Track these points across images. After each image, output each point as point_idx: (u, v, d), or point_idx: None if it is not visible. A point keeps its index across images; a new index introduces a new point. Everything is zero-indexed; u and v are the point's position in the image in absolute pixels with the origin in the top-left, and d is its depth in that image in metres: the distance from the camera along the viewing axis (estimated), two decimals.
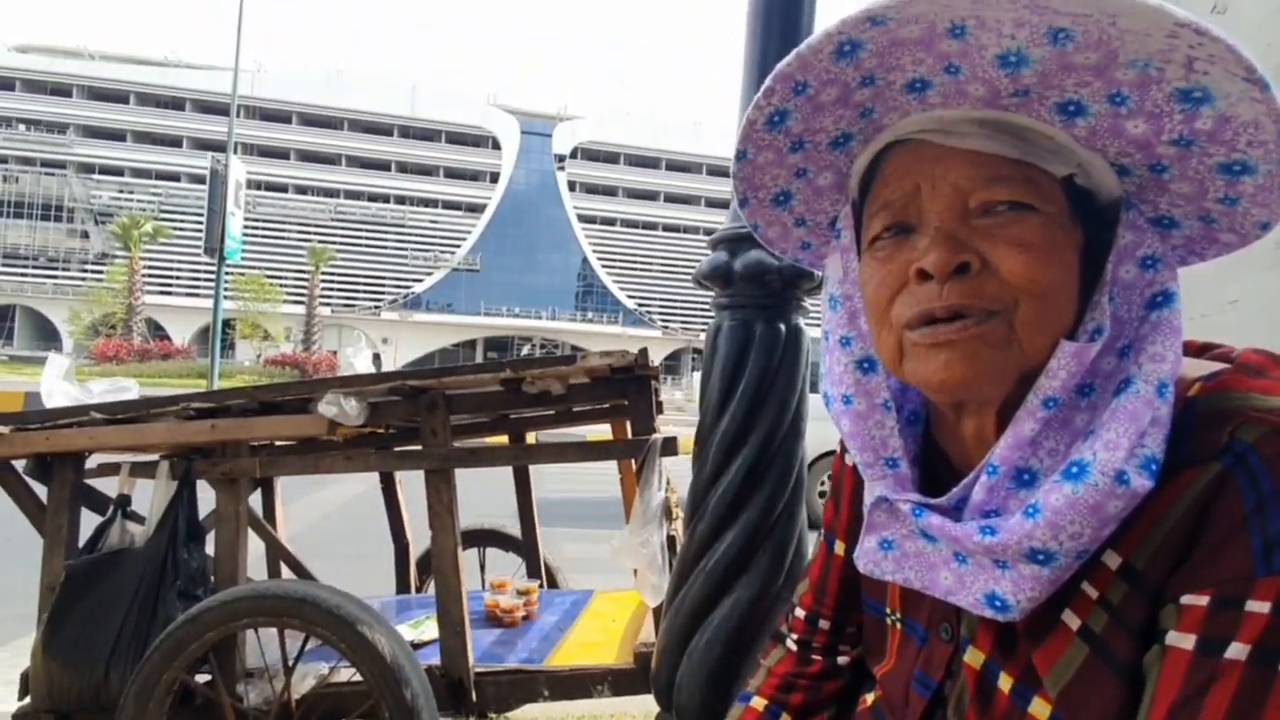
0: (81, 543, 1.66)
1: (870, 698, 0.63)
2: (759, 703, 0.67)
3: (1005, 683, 0.48)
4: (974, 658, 0.50)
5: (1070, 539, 0.42)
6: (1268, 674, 0.37)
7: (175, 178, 44.96)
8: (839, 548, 0.67)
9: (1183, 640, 0.40)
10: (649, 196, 52.96)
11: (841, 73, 0.46)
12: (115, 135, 45.42)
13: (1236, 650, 0.38)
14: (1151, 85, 0.41)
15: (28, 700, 1.56)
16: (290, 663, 1.50)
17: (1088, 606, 0.44)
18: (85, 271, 42.98)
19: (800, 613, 0.70)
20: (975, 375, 0.45)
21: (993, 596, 0.45)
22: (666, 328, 50.28)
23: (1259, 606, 0.37)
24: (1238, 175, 0.44)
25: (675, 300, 50.82)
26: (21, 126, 44.22)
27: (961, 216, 0.46)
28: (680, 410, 17.72)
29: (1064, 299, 0.45)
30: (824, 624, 0.68)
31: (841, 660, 0.68)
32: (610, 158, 52.96)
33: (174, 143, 45.78)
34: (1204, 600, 0.39)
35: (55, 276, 43.08)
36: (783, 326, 1.22)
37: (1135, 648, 0.42)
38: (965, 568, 0.48)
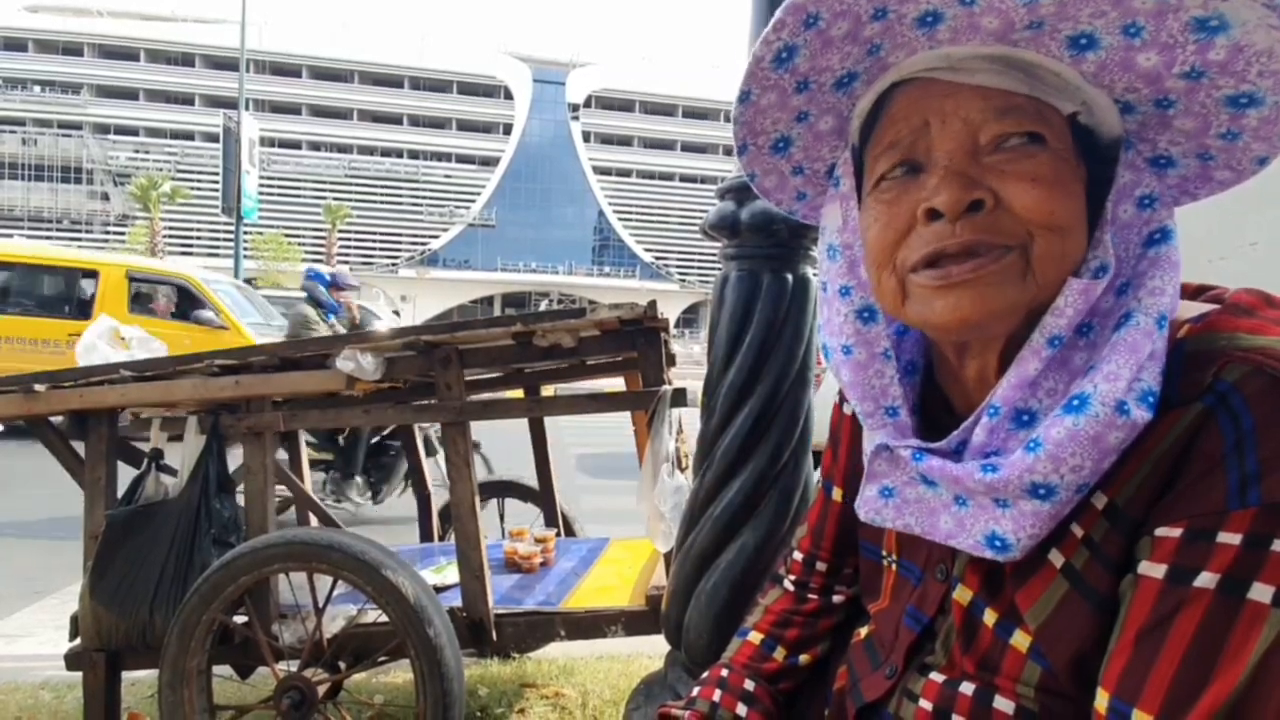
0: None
1: (864, 631, 0.65)
2: (755, 637, 0.70)
3: (990, 617, 0.50)
4: (962, 594, 0.52)
5: (1071, 471, 0.42)
6: (1234, 602, 0.38)
7: (190, 136, 44.90)
8: (836, 494, 0.69)
9: (1154, 570, 0.41)
10: (665, 146, 51.85)
11: (855, 4, 0.45)
12: (128, 94, 45.28)
13: (1205, 579, 0.39)
14: (1169, 14, 0.41)
15: (78, 641, 1.66)
16: (321, 604, 1.58)
17: (1073, 546, 0.45)
18: (109, 233, 43.54)
19: (798, 555, 0.72)
20: (986, 313, 0.45)
21: (993, 536, 0.46)
22: (684, 281, 49.87)
23: (1230, 538, 0.38)
24: (1244, 108, 0.43)
25: (693, 253, 50.27)
26: (37, 88, 44.25)
27: (971, 154, 0.46)
28: (699, 364, 17.67)
29: (1077, 233, 0.45)
30: (821, 566, 0.71)
31: (837, 599, 0.70)
32: (625, 106, 51.72)
33: (186, 100, 45.59)
34: (1177, 532, 0.40)
35: (80, 239, 43.63)
36: (790, 277, 1.22)
37: (1113, 581, 0.44)
38: (965, 510, 0.48)
